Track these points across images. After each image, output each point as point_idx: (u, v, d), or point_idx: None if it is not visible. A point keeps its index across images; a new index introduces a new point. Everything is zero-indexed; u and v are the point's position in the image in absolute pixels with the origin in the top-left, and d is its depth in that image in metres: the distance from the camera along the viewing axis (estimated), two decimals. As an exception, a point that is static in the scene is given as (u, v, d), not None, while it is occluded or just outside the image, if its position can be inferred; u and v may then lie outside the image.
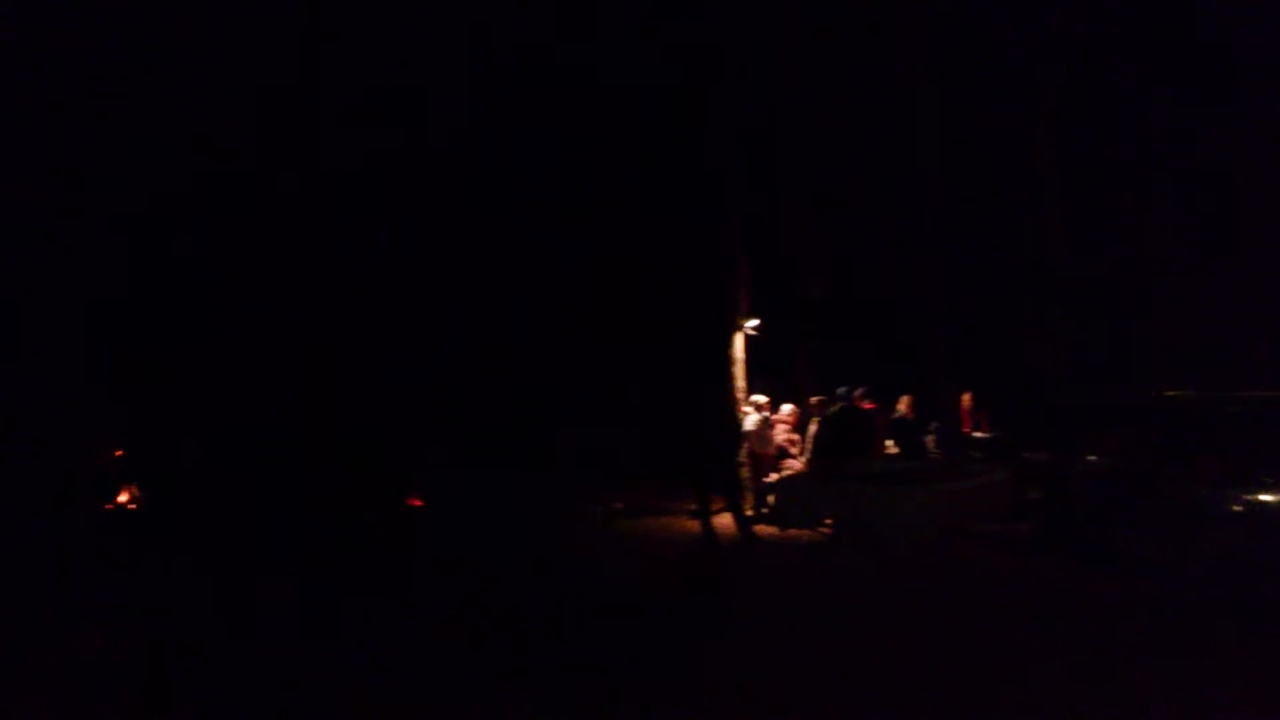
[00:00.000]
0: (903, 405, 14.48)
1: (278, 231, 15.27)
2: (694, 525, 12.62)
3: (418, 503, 14.75)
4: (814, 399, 14.14)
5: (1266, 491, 8.48)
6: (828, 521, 12.45)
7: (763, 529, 12.83)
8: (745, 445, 13.64)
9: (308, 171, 15.21)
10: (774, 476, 13.74)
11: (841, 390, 13.37)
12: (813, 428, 14.08)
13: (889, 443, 14.67)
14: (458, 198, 15.93)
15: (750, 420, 13.83)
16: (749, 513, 13.08)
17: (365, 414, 15.30)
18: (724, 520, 12.51)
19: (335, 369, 15.31)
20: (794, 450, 14.37)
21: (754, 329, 14.91)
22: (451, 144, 15.82)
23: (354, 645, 7.95)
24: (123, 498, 14.38)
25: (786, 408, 14.61)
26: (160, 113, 14.69)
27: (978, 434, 14.83)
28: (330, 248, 15.26)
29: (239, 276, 15.21)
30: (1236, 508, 8.61)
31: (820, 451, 13.09)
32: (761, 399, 14.04)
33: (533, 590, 9.92)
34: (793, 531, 12.62)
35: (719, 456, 12.39)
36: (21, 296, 14.55)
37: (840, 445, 13.33)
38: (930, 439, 14.69)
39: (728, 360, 14.67)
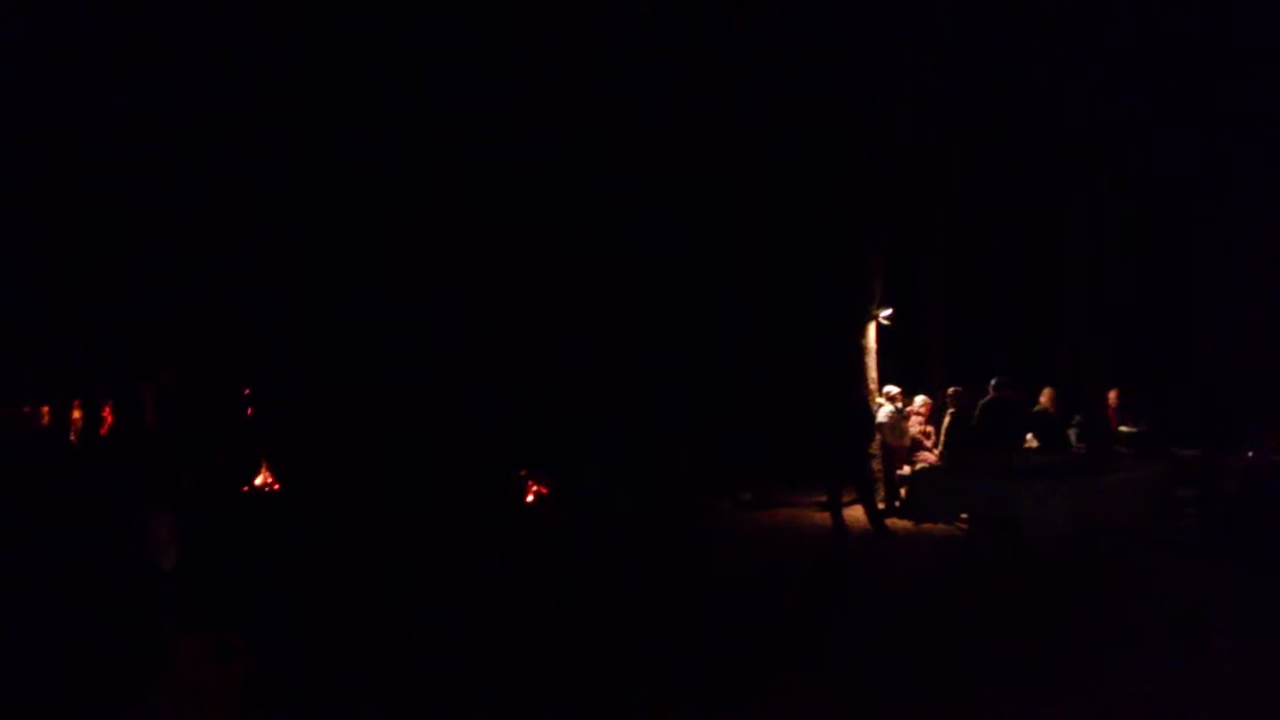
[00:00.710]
0: (1044, 397, 13.93)
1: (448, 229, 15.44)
2: (823, 518, 12.37)
3: (542, 490, 14.87)
4: (951, 390, 13.75)
5: None
6: (964, 516, 12.08)
7: (896, 523, 12.51)
8: (878, 437, 13.31)
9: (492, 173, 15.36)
10: (907, 469, 13.41)
11: (997, 380, 12.94)
12: (946, 419, 13.68)
13: (1029, 436, 14.16)
14: (600, 192, 15.95)
15: (883, 412, 13.50)
16: (881, 506, 12.76)
17: (501, 406, 15.46)
18: (855, 513, 12.23)
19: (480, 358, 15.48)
20: (928, 442, 13.98)
21: (887, 318, 14.55)
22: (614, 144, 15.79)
23: (513, 641, 7.96)
24: (259, 479, 14.79)
25: (920, 399, 14.23)
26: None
27: (1124, 428, 14.18)
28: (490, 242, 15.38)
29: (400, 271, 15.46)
30: None
31: (961, 443, 12.71)
32: (894, 390, 13.69)
33: (664, 584, 9.86)
34: (927, 526, 12.28)
35: (851, 448, 12.09)
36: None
37: (988, 437, 12.90)
38: (1073, 432, 14.12)
39: (860, 350, 14.35)
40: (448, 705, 6.41)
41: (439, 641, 7.78)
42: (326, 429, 14.76)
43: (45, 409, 17.56)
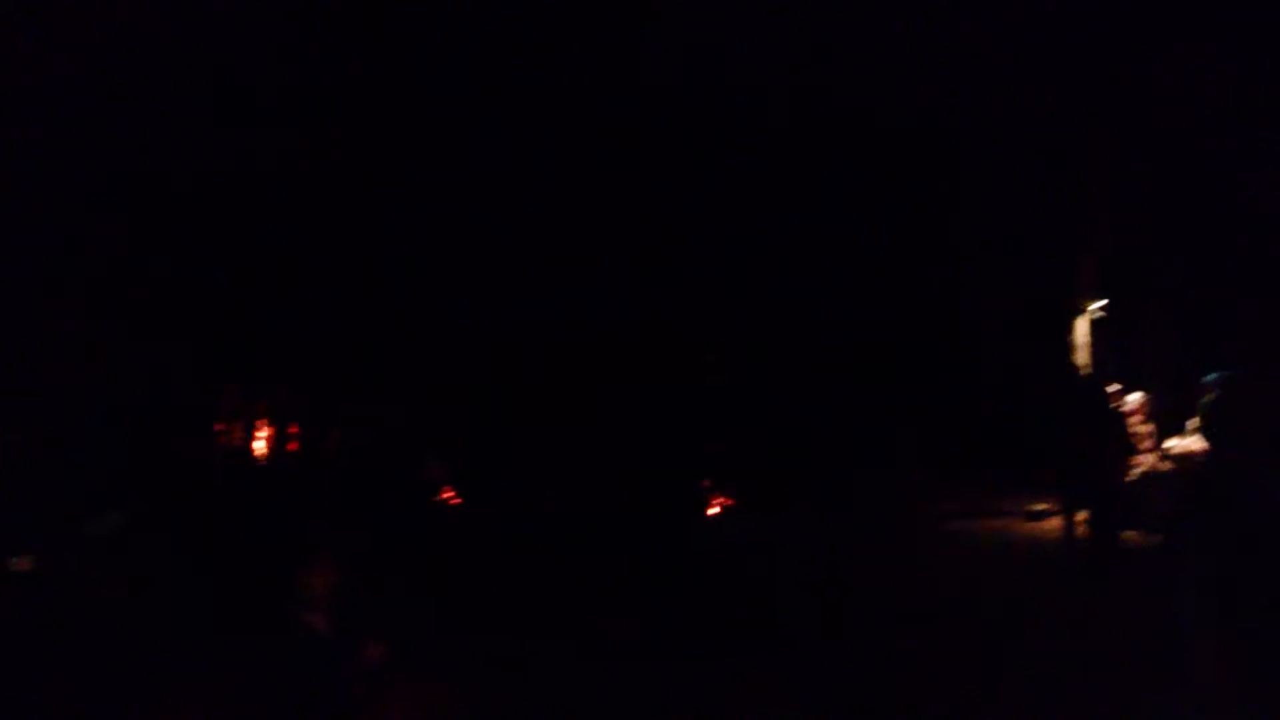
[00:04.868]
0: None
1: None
2: (1038, 528, 11.48)
3: (729, 501, 14.40)
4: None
5: None
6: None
7: (1119, 534, 11.47)
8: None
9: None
10: (1128, 474, 12.30)
11: (1212, 377, 11.72)
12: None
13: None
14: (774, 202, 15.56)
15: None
16: (1101, 515, 11.73)
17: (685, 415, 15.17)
18: (1055, 524, 11.28)
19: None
20: (1146, 444, 12.84)
21: (1102, 310, 13.49)
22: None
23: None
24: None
25: (1136, 396, 13.07)
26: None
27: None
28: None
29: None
30: None
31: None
32: (1112, 387, 12.60)
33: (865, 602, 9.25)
34: (1153, 536, 11.20)
35: (1085, 451, 11.10)
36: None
37: (1211, 440, 11.72)
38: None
39: (1070, 346, 13.35)
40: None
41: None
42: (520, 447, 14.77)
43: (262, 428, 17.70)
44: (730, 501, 14.37)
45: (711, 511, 14.23)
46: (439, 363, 15.85)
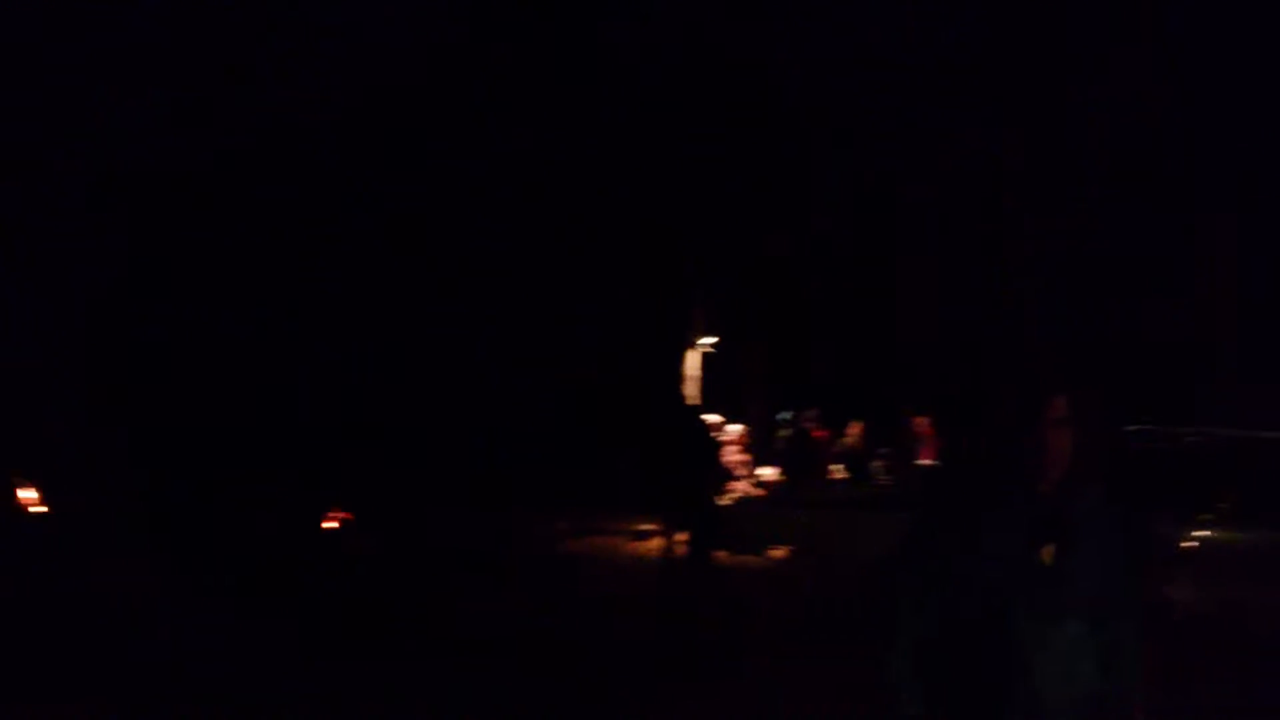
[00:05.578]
0: (853, 432, 14.31)
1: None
2: (642, 547, 12.22)
3: (347, 515, 14.05)
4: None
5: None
6: (779, 548, 12.20)
7: (713, 553, 12.45)
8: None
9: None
10: (724, 499, 13.41)
11: (787, 415, 13.17)
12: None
13: (838, 468, 14.51)
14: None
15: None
16: (699, 536, 12.69)
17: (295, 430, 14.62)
18: (658, 544, 12.10)
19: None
20: (742, 472, 14.08)
21: (710, 347, 14.65)
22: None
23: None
24: None
25: (735, 428, 14.33)
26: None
27: (925, 462, 14.67)
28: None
29: None
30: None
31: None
32: (713, 418, 13.72)
33: (475, 613, 9.40)
34: (743, 557, 12.28)
35: (686, 476, 11.94)
36: None
37: (789, 470, 13.16)
38: (879, 465, 14.55)
39: (680, 378, 14.37)
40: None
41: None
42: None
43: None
44: (348, 516, 14.01)
45: (328, 525, 13.79)
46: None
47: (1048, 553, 2.14)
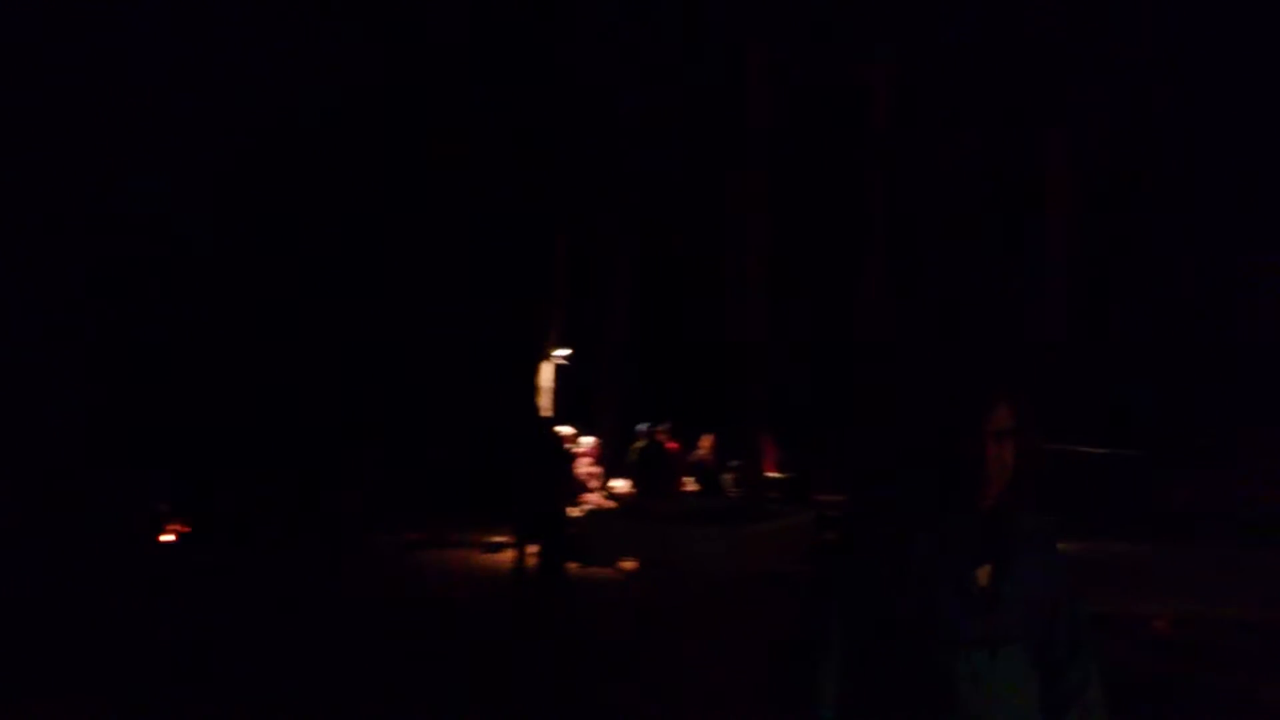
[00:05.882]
0: (704, 444, 14.56)
1: None
2: (493, 559, 12.14)
3: (184, 529, 13.55)
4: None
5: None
6: (630, 560, 12.29)
7: (565, 565, 12.46)
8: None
9: None
10: (576, 511, 13.46)
11: (642, 427, 13.32)
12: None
13: (690, 480, 14.74)
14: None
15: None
16: (551, 548, 12.70)
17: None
18: (511, 556, 12.08)
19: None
20: (594, 484, 14.17)
21: (564, 359, 14.68)
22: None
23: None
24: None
25: (588, 440, 14.41)
26: None
27: (772, 474, 15.03)
28: None
29: None
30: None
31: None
32: (567, 430, 13.76)
33: (312, 632, 9.17)
34: (594, 569, 12.33)
35: (537, 488, 11.94)
36: None
37: (641, 482, 13.30)
38: (729, 477, 14.82)
39: (535, 389, 14.36)
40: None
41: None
42: None
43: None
44: (186, 529, 13.50)
45: (165, 538, 13.26)
46: None
47: (984, 573, 1.97)
